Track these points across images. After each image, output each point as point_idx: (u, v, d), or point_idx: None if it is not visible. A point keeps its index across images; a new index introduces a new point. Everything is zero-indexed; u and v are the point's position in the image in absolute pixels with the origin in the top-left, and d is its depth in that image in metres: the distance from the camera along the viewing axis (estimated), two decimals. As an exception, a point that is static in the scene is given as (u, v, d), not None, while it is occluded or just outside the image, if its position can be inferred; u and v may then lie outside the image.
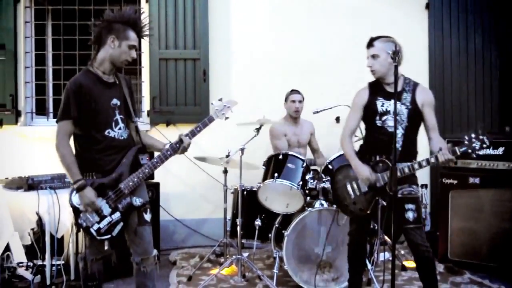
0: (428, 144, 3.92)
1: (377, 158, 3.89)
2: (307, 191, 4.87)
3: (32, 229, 4.79)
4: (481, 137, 3.57)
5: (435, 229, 5.90)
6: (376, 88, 4.01)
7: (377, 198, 3.91)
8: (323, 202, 4.79)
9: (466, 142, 3.59)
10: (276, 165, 4.94)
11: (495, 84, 6.68)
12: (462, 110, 6.58)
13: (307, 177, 4.90)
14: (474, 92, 6.68)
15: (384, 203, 3.89)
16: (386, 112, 3.89)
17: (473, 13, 6.69)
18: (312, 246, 4.74)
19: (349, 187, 4.03)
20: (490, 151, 5.22)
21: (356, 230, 4.16)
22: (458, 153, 3.58)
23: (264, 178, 4.98)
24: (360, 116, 4.05)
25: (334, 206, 4.47)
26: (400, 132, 3.83)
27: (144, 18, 3.69)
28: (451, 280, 4.99)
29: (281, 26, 6.58)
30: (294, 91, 5.71)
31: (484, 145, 3.57)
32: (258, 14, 6.57)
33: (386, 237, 5.28)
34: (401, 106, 3.85)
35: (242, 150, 4.86)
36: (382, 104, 3.92)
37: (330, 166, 4.97)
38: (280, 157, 4.95)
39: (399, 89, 3.85)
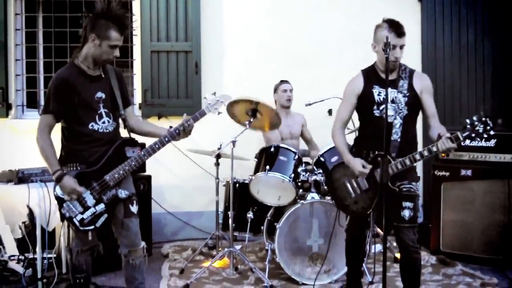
0: (429, 132, 3.71)
1: (376, 153, 3.68)
2: (299, 184, 4.87)
3: (24, 223, 4.77)
4: (483, 119, 3.35)
5: (427, 221, 5.92)
6: (372, 76, 3.82)
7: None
8: (315, 194, 4.76)
9: (468, 126, 3.37)
10: (267, 158, 4.94)
11: (488, 77, 6.68)
12: (455, 103, 6.58)
13: (299, 169, 4.89)
14: (466, 85, 6.68)
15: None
16: (384, 101, 3.64)
17: (466, 6, 6.68)
18: (304, 238, 4.75)
19: (348, 186, 3.88)
20: (482, 143, 5.24)
21: (355, 227, 4.07)
22: (461, 139, 3.38)
23: (256, 171, 4.97)
24: (353, 106, 3.85)
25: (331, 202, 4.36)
26: (398, 122, 3.66)
27: (128, 14, 3.58)
28: (443, 272, 5.01)
29: (274, 18, 6.56)
30: (284, 81, 5.76)
31: (488, 127, 3.34)
32: (250, 6, 6.55)
33: (378, 229, 5.28)
34: (398, 94, 3.68)
35: (234, 142, 4.83)
36: (379, 93, 3.73)
37: (322, 159, 4.97)
38: (272, 149, 4.94)
39: (394, 76, 3.72)
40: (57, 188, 3.47)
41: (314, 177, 4.82)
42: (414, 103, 3.73)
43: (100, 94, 3.54)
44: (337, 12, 6.61)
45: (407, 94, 3.70)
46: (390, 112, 3.66)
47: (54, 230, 4.85)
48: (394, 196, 3.62)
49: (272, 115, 4.90)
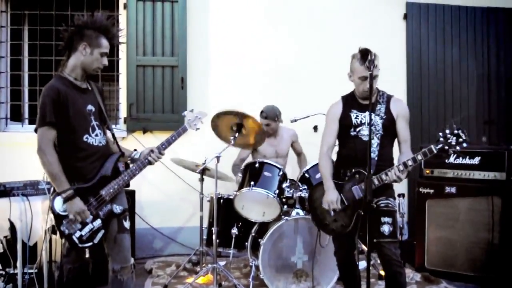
0: (399, 158, 3.81)
1: (353, 171, 3.79)
2: (283, 200, 4.84)
3: (5, 237, 4.72)
4: (455, 131, 3.45)
5: (412, 238, 5.92)
6: (350, 101, 3.96)
7: (358, 211, 3.75)
8: (300, 211, 4.76)
9: (441, 139, 3.47)
10: (252, 173, 4.91)
11: (472, 94, 6.74)
12: (439, 119, 6.63)
13: (284, 185, 4.88)
14: (451, 102, 6.74)
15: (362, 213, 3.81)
16: (361, 124, 3.83)
17: (451, 24, 6.76)
18: (288, 255, 4.72)
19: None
20: (466, 161, 5.27)
21: (341, 248, 4.05)
22: (435, 151, 3.47)
23: (241, 186, 4.94)
24: (336, 129, 3.94)
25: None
26: (375, 142, 3.76)
27: (115, 25, 3.64)
28: (428, 289, 5.01)
29: (259, 34, 6.58)
30: (262, 114, 5.51)
31: (461, 139, 3.43)
32: (236, 22, 6.57)
33: (363, 246, 5.27)
34: (375, 117, 3.79)
35: (218, 158, 4.81)
36: (356, 117, 3.86)
37: (306, 175, 4.96)
38: (257, 165, 4.92)
39: (372, 101, 3.77)
40: (57, 204, 3.38)
41: (298, 193, 4.82)
42: (390, 125, 3.85)
43: (90, 107, 3.52)
44: (323, 28, 6.65)
45: (384, 117, 3.82)
46: (366, 133, 3.78)
47: (35, 244, 4.78)
48: (372, 213, 3.62)
49: (258, 130, 4.88)
